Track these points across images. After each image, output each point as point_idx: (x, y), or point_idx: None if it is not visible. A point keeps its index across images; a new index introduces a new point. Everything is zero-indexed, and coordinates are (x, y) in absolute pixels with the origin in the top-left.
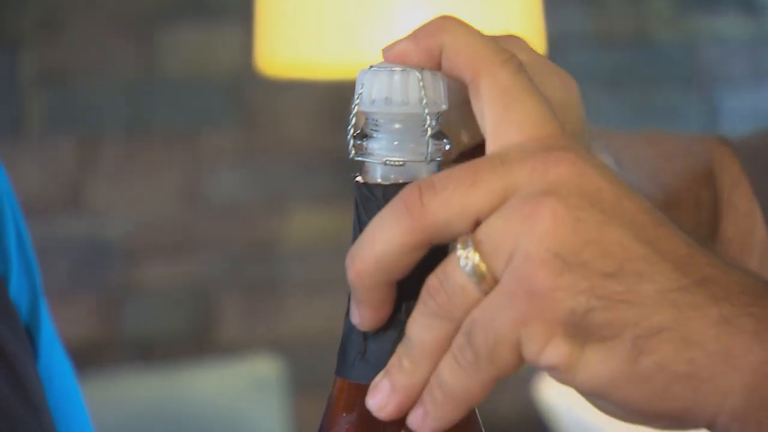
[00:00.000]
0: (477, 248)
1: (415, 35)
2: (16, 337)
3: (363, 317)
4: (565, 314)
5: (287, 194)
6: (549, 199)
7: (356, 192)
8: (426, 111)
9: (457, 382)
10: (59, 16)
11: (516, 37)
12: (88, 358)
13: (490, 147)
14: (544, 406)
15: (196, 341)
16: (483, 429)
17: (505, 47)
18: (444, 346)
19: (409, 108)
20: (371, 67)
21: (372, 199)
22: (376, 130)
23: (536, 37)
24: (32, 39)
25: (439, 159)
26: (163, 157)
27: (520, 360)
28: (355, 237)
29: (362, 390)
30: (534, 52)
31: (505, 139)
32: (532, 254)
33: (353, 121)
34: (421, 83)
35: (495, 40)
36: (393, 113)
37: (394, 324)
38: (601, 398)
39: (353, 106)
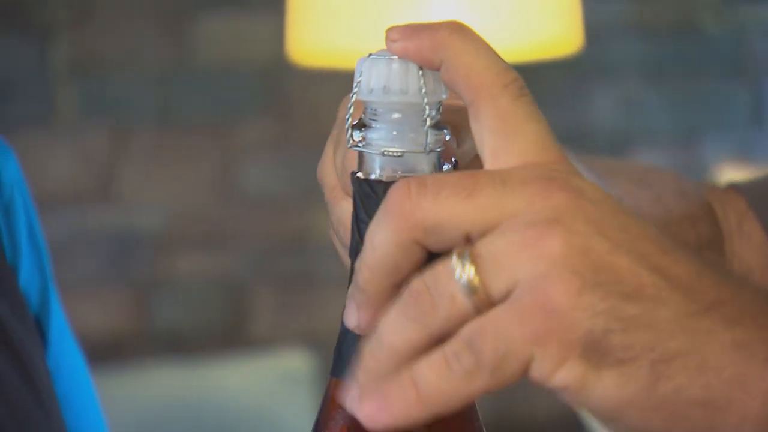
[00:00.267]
0: (474, 262)
1: (418, 36)
2: (25, 329)
3: (362, 320)
4: (584, 335)
5: (320, 185)
6: (556, 227)
7: (356, 188)
8: (425, 100)
9: (443, 385)
10: (91, 5)
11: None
12: (118, 350)
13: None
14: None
15: (227, 335)
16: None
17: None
18: (412, 351)
19: (407, 97)
20: (370, 54)
21: (372, 197)
22: (374, 120)
23: (573, 26)
24: (64, 29)
25: (439, 150)
26: (196, 147)
27: (523, 375)
28: (352, 234)
29: None
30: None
31: (503, 166)
32: (550, 272)
33: (351, 111)
34: (420, 72)
35: (498, 58)
36: (391, 102)
37: None
38: (615, 421)
39: (351, 95)
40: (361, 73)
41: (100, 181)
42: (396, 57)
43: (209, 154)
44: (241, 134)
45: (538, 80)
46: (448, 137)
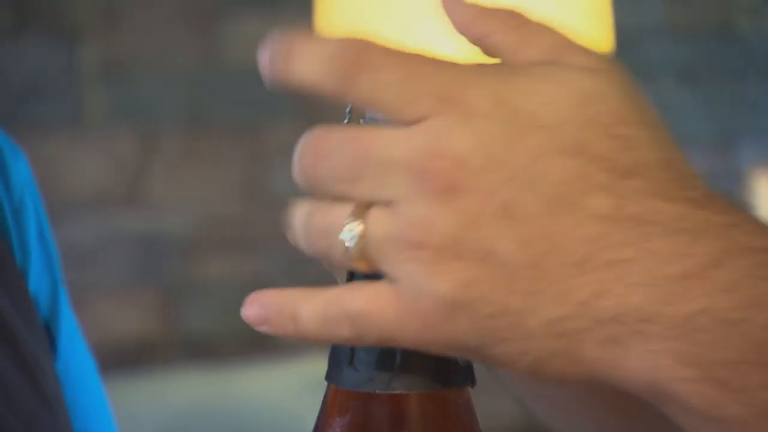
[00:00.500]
0: (362, 236)
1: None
2: (33, 332)
3: None
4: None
5: None
6: (429, 228)
7: None
8: None
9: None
10: (119, 6)
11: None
12: (146, 354)
13: None
14: None
15: (254, 340)
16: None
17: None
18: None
19: None
20: None
21: None
22: (374, 121)
23: (604, 29)
24: (92, 30)
25: None
26: (224, 150)
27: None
28: None
29: (352, 395)
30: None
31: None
32: (426, 279)
33: (350, 116)
34: None
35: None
36: None
37: None
38: None
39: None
40: None
41: (128, 184)
42: None
43: (238, 157)
44: (271, 136)
45: None
46: None
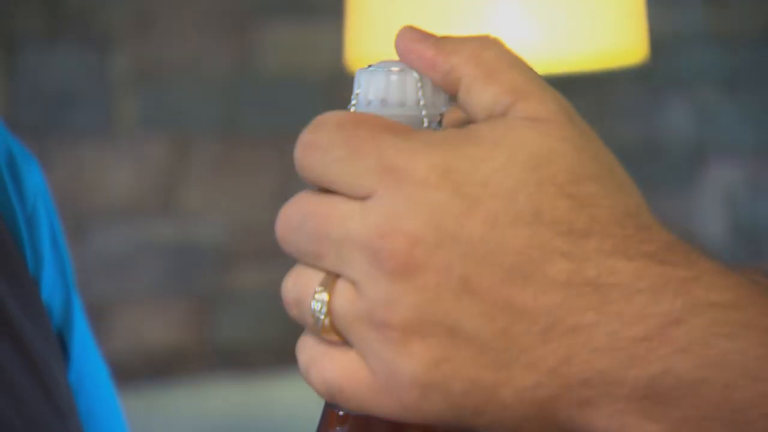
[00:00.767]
0: (328, 307)
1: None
2: (45, 341)
3: None
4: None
5: None
6: (390, 310)
7: None
8: (423, 113)
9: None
10: (152, 13)
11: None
12: (177, 364)
13: None
14: None
15: (287, 350)
16: None
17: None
18: None
19: (405, 110)
20: (369, 66)
21: None
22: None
23: (638, 35)
24: (124, 37)
25: None
26: (258, 158)
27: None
28: None
29: None
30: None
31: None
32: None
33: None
34: (419, 84)
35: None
36: (390, 115)
37: None
38: None
39: (350, 107)
40: (359, 84)
41: (161, 192)
42: (395, 69)
43: (272, 166)
44: None
45: (603, 90)
46: None
